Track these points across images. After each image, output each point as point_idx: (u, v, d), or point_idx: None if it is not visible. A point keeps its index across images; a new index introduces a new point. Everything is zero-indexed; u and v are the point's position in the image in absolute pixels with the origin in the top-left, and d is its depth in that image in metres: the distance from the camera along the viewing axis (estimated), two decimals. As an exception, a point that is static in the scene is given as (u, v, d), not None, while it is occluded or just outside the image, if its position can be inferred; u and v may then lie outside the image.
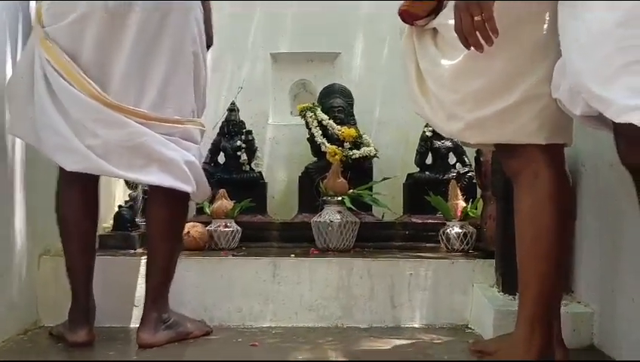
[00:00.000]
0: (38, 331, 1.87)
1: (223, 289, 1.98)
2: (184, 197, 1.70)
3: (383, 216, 2.64)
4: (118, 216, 2.26)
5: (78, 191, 1.70)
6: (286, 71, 2.97)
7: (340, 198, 2.29)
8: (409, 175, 2.60)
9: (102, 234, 2.25)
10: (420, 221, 2.46)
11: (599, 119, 1.21)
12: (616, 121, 1.02)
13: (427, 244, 2.39)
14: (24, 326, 1.86)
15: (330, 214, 2.27)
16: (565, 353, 1.46)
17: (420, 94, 1.43)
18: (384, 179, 2.48)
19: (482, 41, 1.24)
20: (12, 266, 1.80)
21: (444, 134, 1.43)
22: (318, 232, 2.27)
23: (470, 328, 1.93)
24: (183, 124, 1.66)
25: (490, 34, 1.23)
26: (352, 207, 2.28)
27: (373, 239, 2.41)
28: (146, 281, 1.72)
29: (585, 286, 1.78)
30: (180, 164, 1.61)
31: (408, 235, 2.46)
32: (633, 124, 1.03)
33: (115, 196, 2.62)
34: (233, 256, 2.08)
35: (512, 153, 1.34)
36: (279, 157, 2.90)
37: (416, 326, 1.96)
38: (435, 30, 1.44)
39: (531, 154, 1.31)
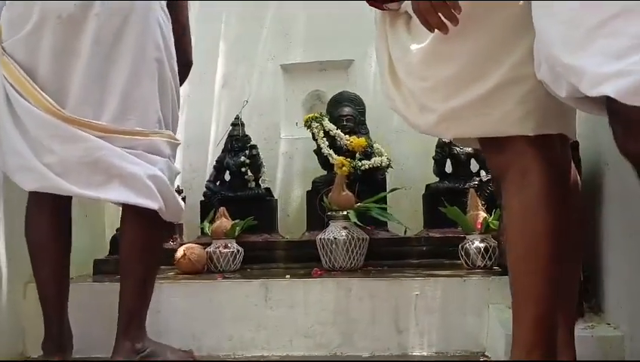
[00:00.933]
0: (22, 362, 1.80)
1: (211, 315, 1.83)
2: (156, 216, 1.57)
3: (405, 232, 2.43)
4: (113, 241, 2.18)
5: (46, 213, 1.59)
6: (298, 82, 2.84)
7: (345, 213, 2.11)
8: (427, 185, 2.38)
9: (97, 259, 2.18)
10: (438, 235, 2.24)
11: (592, 100, 0.99)
12: (589, 94, 0.81)
13: (448, 261, 2.17)
14: (8, 356, 1.79)
15: (335, 231, 2.09)
16: (582, 387, 1.22)
17: (392, 86, 1.25)
18: (393, 190, 2.28)
19: (446, 21, 1.05)
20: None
21: (417, 130, 1.23)
22: (323, 251, 2.10)
23: (487, 356, 1.69)
24: (146, 135, 1.54)
25: (453, 11, 1.04)
26: (357, 222, 2.10)
27: (387, 257, 2.21)
28: (119, 308, 1.60)
29: (614, 305, 1.51)
30: (142, 178, 1.49)
31: (426, 251, 2.24)
32: (628, 104, 0.83)
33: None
34: (224, 278, 1.94)
35: (497, 148, 1.13)
36: (293, 172, 2.76)
37: (425, 353, 1.74)
38: (408, 14, 1.26)
39: (518, 149, 1.09)
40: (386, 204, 2.34)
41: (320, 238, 2.10)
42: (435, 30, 1.08)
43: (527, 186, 1.08)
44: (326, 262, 2.09)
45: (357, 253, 2.08)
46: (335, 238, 2.07)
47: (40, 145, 1.49)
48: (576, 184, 1.28)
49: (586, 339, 1.43)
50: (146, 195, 1.50)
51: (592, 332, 1.45)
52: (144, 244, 1.59)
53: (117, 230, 2.26)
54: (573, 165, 1.29)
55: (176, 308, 1.83)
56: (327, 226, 2.14)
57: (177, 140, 1.66)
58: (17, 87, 1.49)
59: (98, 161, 1.47)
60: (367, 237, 2.13)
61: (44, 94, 1.48)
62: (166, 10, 1.62)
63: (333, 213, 2.13)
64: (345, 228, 2.09)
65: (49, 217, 1.60)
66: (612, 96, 0.77)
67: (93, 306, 1.88)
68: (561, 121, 1.14)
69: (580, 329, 1.48)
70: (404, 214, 2.63)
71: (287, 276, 1.90)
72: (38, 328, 1.80)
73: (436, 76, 1.14)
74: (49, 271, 1.59)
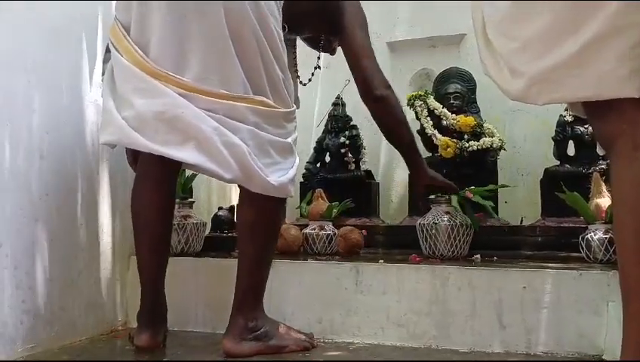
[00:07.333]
0: (123, 332, 1.87)
1: (301, 296, 1.78)
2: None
3: (521, 221, 2.23)
4: (214, 218, 2.21)
5: (150, 186, 1.59)
6: (405, 60, 2.70)
7: (447, 197, 1.96)
8: (546, 170, 2.15)
9: (206, 236, 2.19)
10: (554, 225, 2.01)
11: None
12: None
13: (565, 254, 1.94)
14: (110, 326, 1.88)
15: (437, 215, 1.95)
16: None
17: (485, 49, 1.11)
18: (500, 186, 2.06)
19: None
20: (93, 265, 1.81)
21: (509, 97, 1.07)
22: (422, 237, 1.96)
23: (604, 360, 1.47)
24: (232, 100, 1.44)
25: None
26: (456, 207, 1.92)
27: (497, 247, 2.02)
28: (235, 286, 1.58)
29: None
30: (216, 143, 1.41)
31: (541, 242, 2.02)
32: None
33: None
34: (316, 259, 1.88)
35: (602, 114, 0.95)
36: (397, 155, 2.61)
37: (531, 353, 1.56)
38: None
39: (627, 115, 0.90)
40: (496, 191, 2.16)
41: (420, 223, 1.97)
42: None
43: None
44: (426, 249, 1.95)
45: (460, 240, 1.92)
46: (436, 224, 1.92)
47: (123, 100, 1.47)
48: None
49: None
50: (218, 162, 1.42)
51: None
52: (258, 222, 1.54)
53: (219, 208, 2.30)
54: None
55: (267, 287, 1.80)
56: (429, 211, 2.00)
57: (273, 107, 1.50)
58: (115, 42, 1.49)
59: (176, 119, 1.41)
60: (470, 223, 1.95)
61: (134, 46, 1.45)
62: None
63: (435, 197, 1.98)
64: (447, 213, 1.94)
65: (152, 190, 1.60)
66: None
67: (195, 282, 1.92)
68: None
69: None
70: (520, 202, 2.42)
71: (381, 261, 1.80)
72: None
73: (526, 33, 0.98)
74: (148, 243, 1.60)
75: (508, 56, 1.01)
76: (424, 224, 1.95)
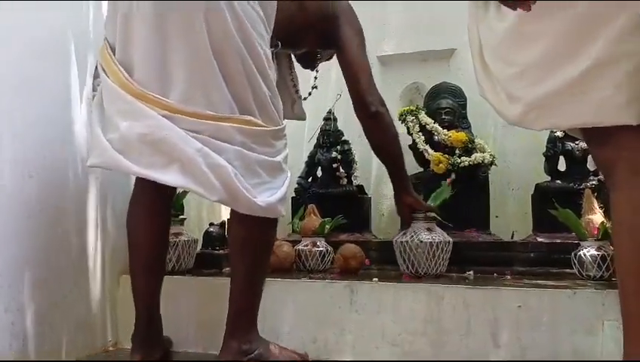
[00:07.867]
0: (114, 352, 1.84)
1: (295, 315, 1.77)
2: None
3: (512, 236, 2.24)
4: (205, 235, 2.19)
5: (144, 206, 1.57)
6: (395, 74, 2.70)
7: (425, 213, 1.91)
8: (537, 185, 2.16)
9: (197, 253, 2.17)
10: (546, 241, 2.02)
11: None
12: None
13: (557, 270, 1.95)
14: (101, 346, 1.85)
15: (418, 232, 1.88)
16: None
17: (482, 72, 1.11)
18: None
19: None
20: (81, 284, 1.79)
21: (507, 121, 1.08)
22: (404, 254, 1.88)
23: (600, 380, 1.48)
24: (218, 120, 1.40)
25: None
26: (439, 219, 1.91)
27: (488, 263, 2.02)
28: (228, 307, 1.55)
29: None
30: (200, 165, 1.36)
31: (532, 259, 2.02)
32: None
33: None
34: (309, 278, 1.86)
35: (600, 140, 0.96)
36: (388, 169, 2.62)
37: (526, 372, 1.56)
38: (503, -7, 1.11)
39: (626, 141, 0.91)
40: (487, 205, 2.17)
41: (399, 241, 1.89)
42: (519, 9, 0.93)
43: (638, 184, 0.90)
44: (405, 268, 1.88)
45: (441, 257, 1.86)
46: (421, 241, 1.85)
47: (109, 122, 1.43)
48: None
49: None
50: (202, 184, 1.37)
51: None
52: (249, 242, 1.51)
53: (210, 224, 2.27)
54: None
55: (260, 306, 1.78)
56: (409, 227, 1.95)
57: (260, 125, 1.45)
58: (104, 64, 1.46)
59: (160, 141, 1.37)
60: (450, 240, 1.89)
61: (119, 66, 1.42)
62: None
63: (416, 213, 1.94)
64: (428, 229, 1.89)
65: (148, 210, 1.57)
66: None
67: (186, 300, 1.89)
68: None
69: None
70: (511, 216, 2.43)
71: (375, 279, 1.79)
72: (132, 319, 1.85)
73: (523, 59, 0.99)
74: (141, 265, 1.58)
75: (505, 81, 1.01)
76: (405, 241, 1.87)
